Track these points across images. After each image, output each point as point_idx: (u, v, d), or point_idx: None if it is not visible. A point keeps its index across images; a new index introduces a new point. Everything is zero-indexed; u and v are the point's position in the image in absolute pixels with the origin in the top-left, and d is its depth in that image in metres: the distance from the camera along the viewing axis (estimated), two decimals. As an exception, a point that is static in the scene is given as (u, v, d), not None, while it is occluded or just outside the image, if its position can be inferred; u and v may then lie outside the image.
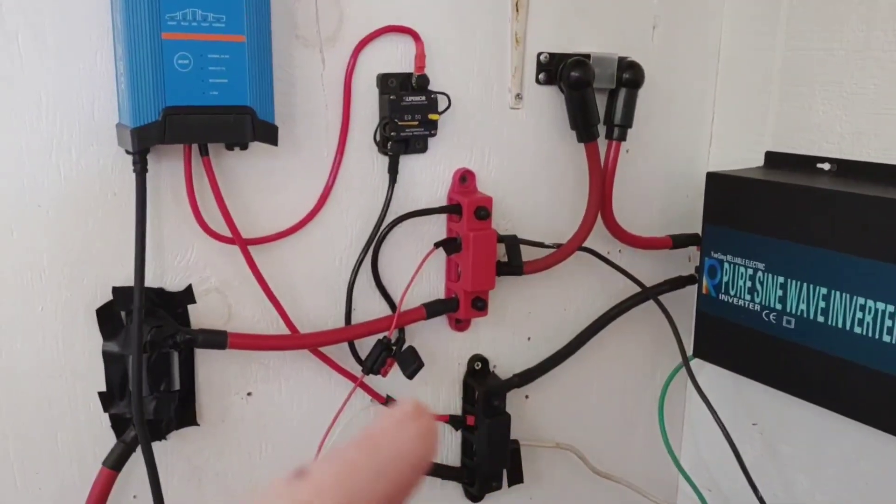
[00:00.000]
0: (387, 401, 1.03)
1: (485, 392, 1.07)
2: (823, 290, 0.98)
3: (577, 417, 1.21)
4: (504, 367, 1.12)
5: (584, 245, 1.10)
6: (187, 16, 0.76)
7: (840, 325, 0.96)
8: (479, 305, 1.02)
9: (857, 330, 0.95)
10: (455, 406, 1.10)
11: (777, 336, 1.03)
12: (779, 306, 1.02)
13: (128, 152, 0.79)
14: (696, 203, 1.12)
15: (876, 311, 0.93)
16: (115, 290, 0.84)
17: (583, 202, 1.09)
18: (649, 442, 1.29)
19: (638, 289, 1.17)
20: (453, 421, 1.09)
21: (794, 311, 1.01)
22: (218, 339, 0.87)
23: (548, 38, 1.05)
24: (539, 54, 1.05)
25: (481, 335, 1.10)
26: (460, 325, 1.07)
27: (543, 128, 1.08)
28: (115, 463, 0.85)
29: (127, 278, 0.83)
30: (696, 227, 1.13)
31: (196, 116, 0.78)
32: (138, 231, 0.80)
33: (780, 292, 1.02)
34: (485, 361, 1.10)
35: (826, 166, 1.08)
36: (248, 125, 0.80)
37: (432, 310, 1.01)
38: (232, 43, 0.79)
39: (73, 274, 0.83)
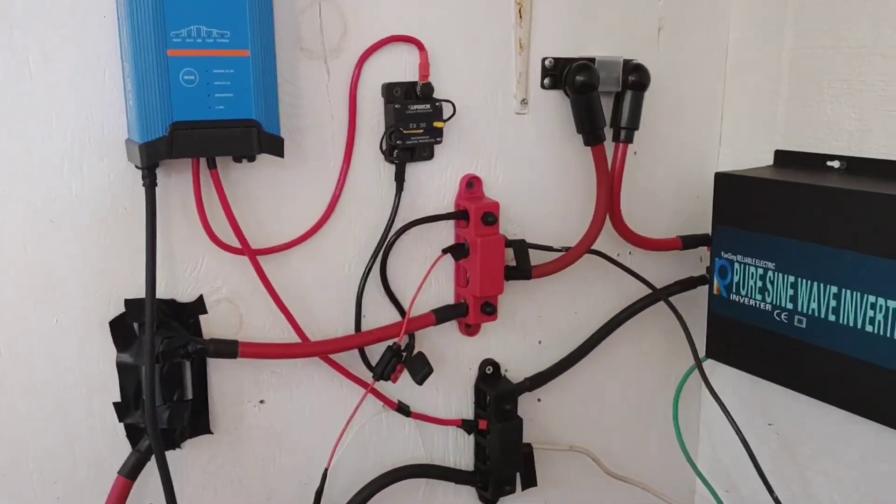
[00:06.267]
0: (399, 407, 1.04)
1: (496, 396, 1.08)
2: (834, 289, 0.97)
3: (590, 420, 1.21)
4: (515, 370, 1.13)
5: (593, 248, 1.10)
6: (192, 32, 0.78)
7: (851, 324, 0.96)
8: (489, 310, 1.03)
9: (869, 328, 0.94)
10: (467, 410, 1.11)
11: (789, 336, 1.03)
12: (790, 306, 1.02)
13: (137, 167, 0.81)
14: (707, 204, 1.11)
15: (887, 309, 0.92)
16: (128, 302, 0.86)
17: (591, 205, 1.10)
18: (665, 444, 1.28)
19: (649, 291, 1.16)
20: (466, 425, 1.10)
21: (805, 311, 1.00)
22: (229, 349, 0.88)
23: (552, 42, 1.06)
24: (544, 59, 1.05)
25: (492, 339, 1.10)
26: (470, 329, 1.08)
27: (550, 132, 1.08)
28: (131, 472, 0.86)
29: (139, 290, 0.85)
30: (707, 228, 1.12)
31: (203, 131, 0.79)
32: (149, 244, 0.81)
33: (790, 292, 1.02)
34: (496, 366, 1.11)
35: (836, 164, 1.07)
36: (254, 138, 0.81)
37: (441, 315, 1.02)
38: (237, 58, 0.80)
39: (87, 287, 0.85)
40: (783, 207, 1.01)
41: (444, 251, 1.01)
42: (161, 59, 0.77)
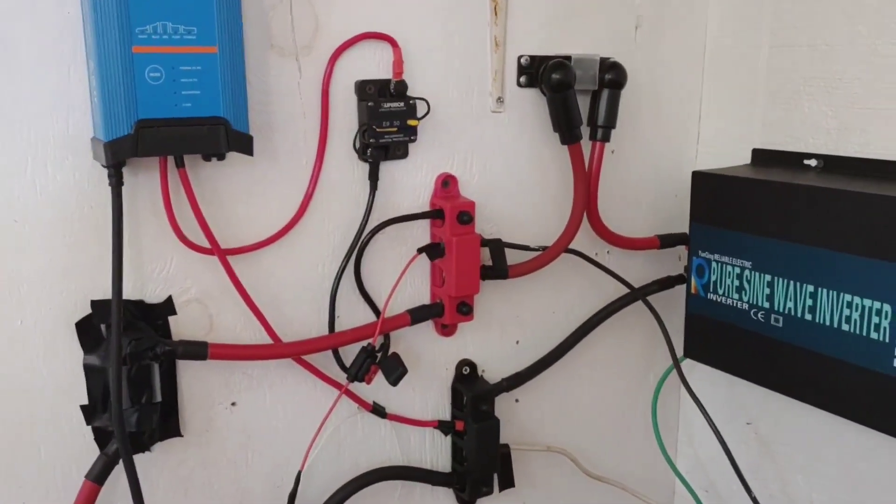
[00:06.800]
0: (374, 408, 1.03)
1: (473, 397, 1.07)
2: (810, 288, 0.97)
3: (568, 420, 1.21)
4: (493, 371, 1.12)
5: (570, 247, 1.09)
6: (157, 29, 0.76)
7: (828, 323, 0.95)
8: (465, 310, 1.02)
9: (845, 327, 0.94)
10: (444, 411, 1.10)
11: (765, 335, 1.02)
12: (766, 305, 1.02)
13: (103, 166, 0.79)
14: (685, 202, 1.11)
15: (863, 308, 0.92)
16: (94, 303, 0.84)
17: (568, 204, 1.09)
18: (644, 444, 1.28)
19: (627, 290, 1.16)
20: (442, 426, 1.09)
21: (781, 310, 1.00)
22: (198, 350, 0.87)
23: (528, 40, 1.05)
24: (519, 57, 1.05)
25: (469, 340, 1.10)
26: (446, 330, 1.07)
27: (526, 131, 1.07)
28: (98, 476, 0.85)
29: (106, 291, 0.84)
30: (686, 227, 1.12)
31: (169, 129, 0.78)
32: (115, 244, 0.80)
33: (767, 290, 1.01)
34: (473, 366, 1.10)
35: (813, 162, 1.07)
36: (223, 136, 0.80)
37: (417, 315, 1.01)
38: (204, 54, 0.79)
39: (52, 288, 0.83)
40: (760, 206, 1.01)
41: (420, 251, 1.00)
42: (126, 55, 0.75)
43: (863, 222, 0.90)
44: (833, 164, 1.05)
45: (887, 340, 0.90)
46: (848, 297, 0.93)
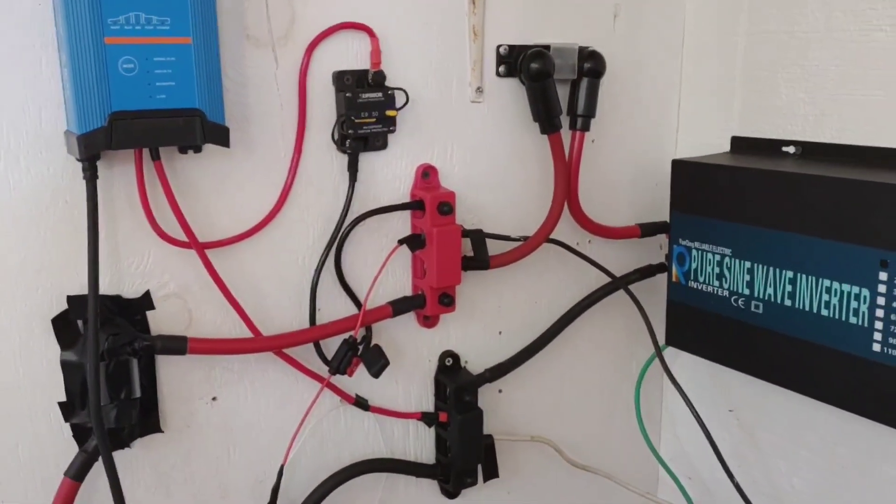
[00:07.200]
0: (357, 401, 1.02)
1: (456, 388, 1.07)
2: (790, 274, 0.97)
3: (552, 410, 1.21)
4: (476, 362, 1.12)
5: (552, 237, 1.09)
6: (130, 19, 0.75)
7: (807, 308, 0.96)
8: (446, 301, 1.02)
9: (825, 312, 0.94)
10: (427, 403, 1.10)
11: (746, 321, 1.03)
12: (747, 291, 1.02)
13: (77, 159, 0.78)
14: (665, 191, 1.11)
15: (842, 293, 0.92)
16: (70, 298, 0.83)
17: (549, 194, 1.09)
18: (627, 432, 1.28)
19: (608, 279, 1.16)
20: (426, 418, 1.08)
21: (761, 296, 1.00)
22: (177, 345, 0.86)
23: (507, 30, 1.05)
24: (498, 47, 1.04)
25: (451, 331, 1.09)
26: (429, 321, 1.06)
27: (506, 120, 1.07)
28: (77, 473, 0.84)
29: (82, 286, 0.83)
30: (666, 215, 1.12)
31: (143, 121, 0.77)
32: (91, 238, 0.79)
33: (747, 277, 1.02)
34: (456, 357, 1.10)
35: (791, 149, 1.07)
36: (198, 127, 0.79)
37: (398, 307, 1.00)
38: (178, 45, 0.78)
39: (28, 284, 0.82)
40: (739, 193, 1.01)
41: (400, 242, 1.00)
42: (98, 46, 0.74)
43: (840, 208, 0.91)
44: (811, 151, 1.05)
45: (866, 325, 0.90)
46: (827, 283, 0.94)
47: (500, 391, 1.15)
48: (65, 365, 0.84)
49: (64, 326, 0.84)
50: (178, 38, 0.78)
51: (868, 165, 0.98)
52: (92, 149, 0.76)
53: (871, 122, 0.98)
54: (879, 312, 0.89)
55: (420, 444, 1.10)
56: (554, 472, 1.22)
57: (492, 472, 1.14)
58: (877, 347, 0.90)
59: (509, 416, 1.17)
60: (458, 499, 1.13)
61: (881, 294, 0.88)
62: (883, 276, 0.88)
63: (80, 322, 0.84)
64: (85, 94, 0.74)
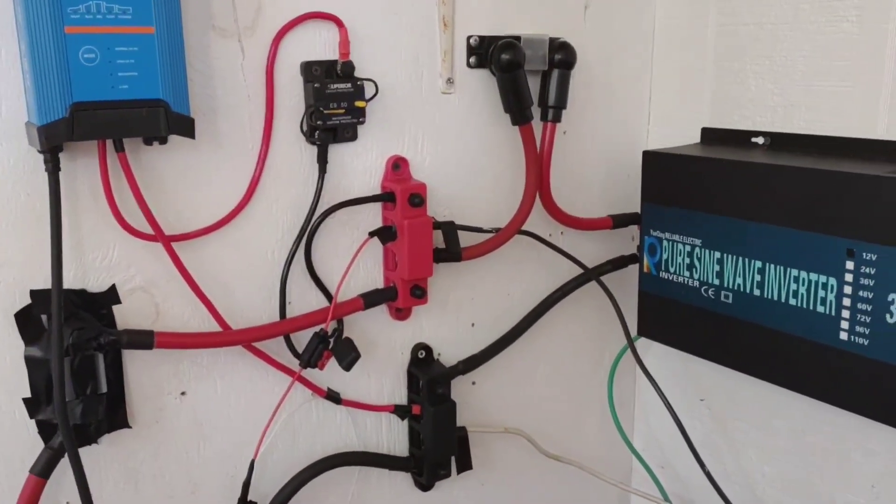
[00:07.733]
0: (328, 394, 1.02)
1: (429, 380, 1.06)
2: (758, 264, 0.98)
3: (525, 402, 1.21)
4: (449, 354, 1.11)
5: (524, 228, 1.09)
6: (91, 8, 0.74)
7: (776, 298, 0.97)
8: (418, 293, 1.01)
9: (793, 301, 0.95)
10: (400, 396, 1.09)
11: (716, 311, 1.03)
12: (716, 281, 1.03)
13: (39, 151, 0.77)
14: (637, 182, 1.11)
15: (809, 282, 0.93)
16: (33, 293, 0.82)
17: (521, 185, 1.09)
18: (600, 423, 1.29)
19: (580, 271, 1.16)
20: (399, 411, 1.08)
21: (731, 286, 1.01)
22: (144, 339, 0.85)
23: (477, 20, 1.04)
24: (469, 37, 1.04)
25: (424, 323, 1.09)
26: (401, 313, 1.06)
27: (477, 112, 1.07)
28: (43, 470, 0.83)
29: (45, 281, 0.81)
30: (638, 207, 1.12)
31: (106, 111, 0.76)
32: (53, 231, 0.77)
33: (717, 267, 1.02)
34: (428, 350, 1.10)
35: (760, 140, 1.08)
36: (162, 118, 0.78)
37: (370, 300, 1.00)
38: (140, 35, 0.77)
39: (-11, 278, 0.81)
40: (708, 184, 1.01)
41: (371, 234, 0.99)
42: (58, 36, 0.73)
43: (807, 198, 0.92)
44: (780, 142, 1.06)
45: (833, 313, 0.91)
46: (794, 272, 0.94)
47: (473, 383, 1.15)
48: (29, 360, 0.83)
49: (27, 321, 0.82)
50: (141, 27, 0.76)
51: (835, 156, 0.98)
52: (53, 140, 0.74)
53: (839, 113, 0.99)
54: (846, 301, 0.90)
55: (393, 436, 1.10)
56: (527, 463, 1.22)
57: (465, 464, 1.14)
58: (844, 336, 0.90)
59: (482, 408, 1.17)
60: (432, 491, 1.13)
61: (848, 283, 0.89)
62: (849, 265, 0.89)
63: (44, 317, 0.83)
64: (45, 85, 0.73)
